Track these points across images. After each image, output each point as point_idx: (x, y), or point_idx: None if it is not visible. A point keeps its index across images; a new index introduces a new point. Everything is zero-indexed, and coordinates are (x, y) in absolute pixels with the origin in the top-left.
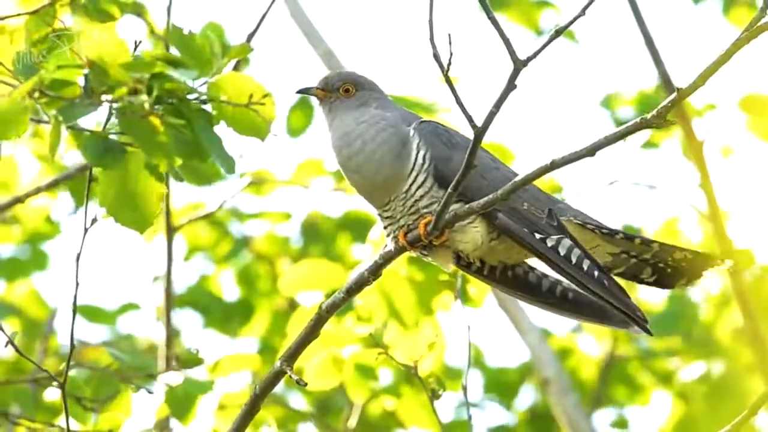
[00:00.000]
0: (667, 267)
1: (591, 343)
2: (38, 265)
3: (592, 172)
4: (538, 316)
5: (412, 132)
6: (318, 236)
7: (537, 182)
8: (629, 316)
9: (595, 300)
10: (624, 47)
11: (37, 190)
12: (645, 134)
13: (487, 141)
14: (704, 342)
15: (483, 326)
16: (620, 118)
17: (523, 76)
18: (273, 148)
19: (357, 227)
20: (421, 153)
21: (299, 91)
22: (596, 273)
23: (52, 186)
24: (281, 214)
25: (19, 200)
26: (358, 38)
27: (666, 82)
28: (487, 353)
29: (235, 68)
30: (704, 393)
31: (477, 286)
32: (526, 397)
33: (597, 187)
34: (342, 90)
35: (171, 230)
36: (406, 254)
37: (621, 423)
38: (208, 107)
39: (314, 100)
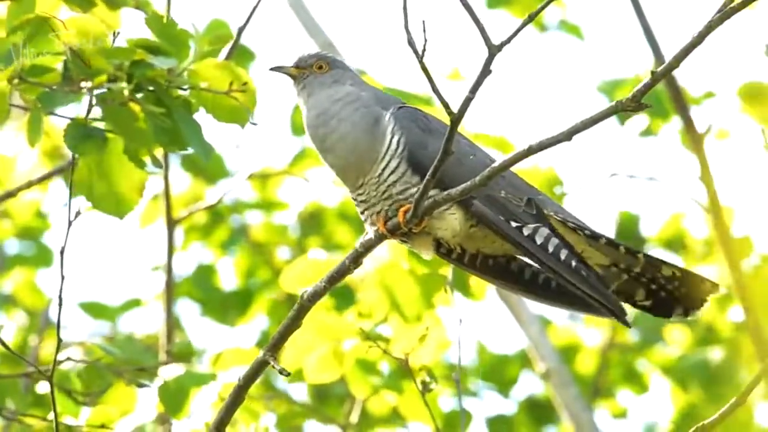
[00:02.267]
0: (660, 290)
1: (590, 332)
2: (44, 262)
3: (591, 164)
4: (538, 306)
5: (388, 116)
6: (317, 226)
7: (536, 176)
8: (607, 308)
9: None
10: (625, 39)
11: (29, 184)
12: (643, 123)
13: (489, 134)
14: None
15: (484, 317)
16: None
17: (498, 61)
18: (276, 142)
19: (356, 217)
20: (396, 138)
21: (273, 69)
22: (574, 263)
23: (43, 179)
24: (279, 204)
25: (11, 194)
26: (358, 29)
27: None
28: (487, 343)
29: (234, 60)
30: (704, 381)
31: (476, 279)
32: (525, 385)
33: (597, 179)
34: (315, 66)
35: (171, 223)
36: (408, 248)
37: (620, 412)
38: (187, 94)
39: (289, 81)
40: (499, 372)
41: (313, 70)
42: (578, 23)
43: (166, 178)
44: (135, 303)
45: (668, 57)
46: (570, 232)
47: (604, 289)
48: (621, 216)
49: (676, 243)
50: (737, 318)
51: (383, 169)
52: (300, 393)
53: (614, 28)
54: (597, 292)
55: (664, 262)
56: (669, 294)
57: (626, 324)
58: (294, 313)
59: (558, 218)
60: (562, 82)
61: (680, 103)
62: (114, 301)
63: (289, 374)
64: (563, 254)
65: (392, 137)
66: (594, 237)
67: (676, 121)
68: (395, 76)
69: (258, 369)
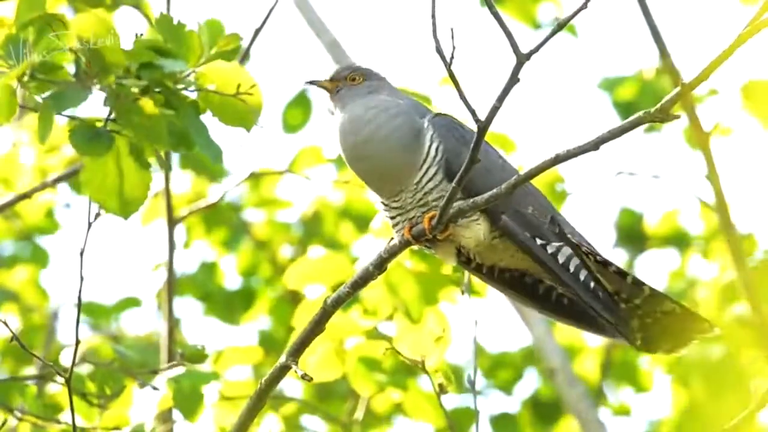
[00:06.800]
0: (654, 323)
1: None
2: (39, 262)
3: (596, 162)
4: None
5: (426, 123)
6: (319, 225)
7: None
8: (620, 332)
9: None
10: (628, 37)
11: (43, 186)
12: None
13: (490, 131)
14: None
15: (488, 313)
16: (621, 103)
17: (525, 70)
18: (275, 143)
19: (359, 216)
20: (434, 145)
21: (308, 82)
22: (592, 284)
23: (57, 182)
24: (282, 202)
25: (25, 196)
26: (364, 28)
27: (671, 71)
28: (491, 340)
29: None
30: (705, 379)
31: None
32: (530, 383)
33: (602, 178)
34: (349, 78)
35: (172, 222)
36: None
37: (623, 410)
38: (194, 95)
39: (323, 95)
40: (504, 370)
41: (347, 82)
42: (575, 21)
43: (166, 176)
44: (132, 302)
45: (676, 50)
46: (582, 256)
47: (618, 313)
48: (621, 215)
49: (676, 239)
50: (741, 315)
51: (422, 177)
52: (300, 389)
53: (608, 26)
54: (611, 314)
55: (667, 297)
56: (662, 329)
57: (636, 348)
58: (317, 317)
59: (573, 241)
60: (559, 81)
61: (686, 101)
62: (113, 301)
63: (311, 379)
64: (582, 275)
65: (431, 144)
66: (604, 264)
67: (681, 119)
68: (403, 76)
69: (280, 373)
